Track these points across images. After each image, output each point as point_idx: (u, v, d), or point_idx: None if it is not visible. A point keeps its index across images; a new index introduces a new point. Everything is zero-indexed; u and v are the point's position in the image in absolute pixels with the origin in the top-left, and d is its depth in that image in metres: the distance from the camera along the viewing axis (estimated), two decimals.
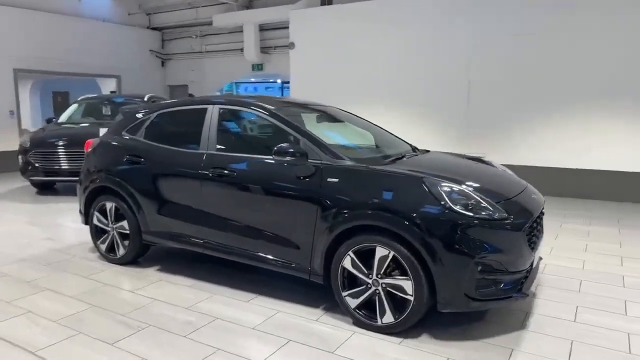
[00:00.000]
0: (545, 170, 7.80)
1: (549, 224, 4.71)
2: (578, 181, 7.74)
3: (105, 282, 4.08)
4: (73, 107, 9.54)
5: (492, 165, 4.07)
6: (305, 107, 4.42)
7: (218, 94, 14.29)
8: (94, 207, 4.59)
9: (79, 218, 4.88)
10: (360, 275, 3.16)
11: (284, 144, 3.42)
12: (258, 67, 13.15)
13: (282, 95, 21.14)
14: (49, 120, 9.52)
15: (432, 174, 3.19)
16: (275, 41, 12.55)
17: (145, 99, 9.47)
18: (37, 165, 7.88)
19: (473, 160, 4.14)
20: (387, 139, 4.47)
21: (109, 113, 9.43)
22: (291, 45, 10.49)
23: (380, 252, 3.06)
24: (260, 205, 3.61)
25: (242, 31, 12.68)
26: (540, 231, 3.49)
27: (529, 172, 6.62)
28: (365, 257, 3.15)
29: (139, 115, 4.52)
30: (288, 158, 3.38)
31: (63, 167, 7.89)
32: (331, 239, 3.23)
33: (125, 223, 4.37)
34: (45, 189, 8.60)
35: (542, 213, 3.51)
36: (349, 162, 3.36)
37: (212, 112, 4.02)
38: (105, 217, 4.51)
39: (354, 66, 9.70)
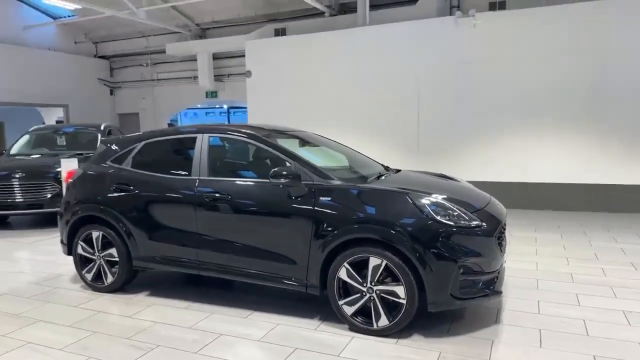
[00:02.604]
0: (492, 185, 8.55)
1: None
2: (521, 193, 8.55)
3: (98, 310, 4.14)
4: (24, 139, 9.29)
5: (457, 180, 4.58)
6: (286, 133, 4.74)
7: (173, 122, 14.29)
8: (78, 236, 4.62)
9: (45, 251, 4.87)
10: (355, 284, 3.50)
11: (279, 168, 3.72)
12: (212, 94, 13.35)
13: (228, 121, 21.44)
14: None
15: (414, 189, 3.61)
16: (229, 69, 12.85)
17: (102, 127, 9.40)
18: None
19: (440, 177, 4.63)
20: (360, 160, 4.87)
21: (64, 143, 9.27)
22: (248, 74, 10.83)
23: (373, 261, 3.42)
24: (257, 225, 3.87)
25: (195, 59, 12.87)
26: (505, 237, 3.99)
27: (478, 186, 7.27)
28: (359, 267, 3.49)
29: (124, 146, 4.65)
30: (283, 180, 3.68)
31: (19, 200, 7.68)
32: (327, 253, 3.55)
33: (113, 250, 4.45)
34: None
35: (505, 221, 4.03)
36: (338, 182, 3.72)
37: (202, 140, 4.25)
38: (91, 246, 4.56)
39: (308, 92, 10.17)
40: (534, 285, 4.55)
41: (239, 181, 4.04)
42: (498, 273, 3.64)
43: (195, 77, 13.11)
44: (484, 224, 3.50)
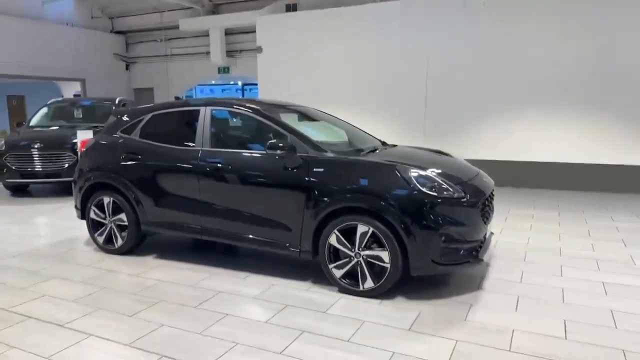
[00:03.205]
0: (495, 164, 8.66)
1: (499, 210, 5.43)
2: (524, 172, 8.66)
3: (109, 269, 4.47)
4: (43, 111, 9.64)
5: (450, 156, 4.75)
6: (286, 107, 4.95)
7: (185, 96, 14.56)
8: (90, 202, 4.94)
9: (62, 216, 5.19)
10: (345, 250, 3.74)
11: (275, 140, 3.95)
12: (224, 70, 13.54)
13: (242, 97, 21.56)
14: (19, 124, 9.58)
15: (401, 162, 3.80)
16: (241, 45, 12.99)
17: (117, 101, 9.71)
18: (13, 167, 8.01)
19: (434, 152, 4.81)
20: (358, 135, 5.06)
21: (81, 116, 9.61)
22: (259, 50, 10.97)
23: (361, 229, 3.65)
24: (254, 194, 4.13)
25: (208, 35, 13.04)
26: (492, 209, 4.17)
27: (481, 165, 7.40)
28: (348, 234, 3.73)
29: (133, 117, 4.92)
30: (278, 151, 3.91)
31: (38, 169, 8.06)
32: (319, 220, 3.79)
33: (123, 216, 4.76)
34: (19, 191, 8.70)
35: (492, 194, 4.20)
36: (331, 154, 3.93)
37: (206, 113, 4.49)
38: (103, 211, 4.88)
39: (319, 70, 10.30)
40: (521, 258, 4.74)
41: (239, 152, 4.28)
42: (481, 243, 3.84)
43: (208, 53, 13.29)
44: (467, 195, 3.69)
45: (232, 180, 4.20)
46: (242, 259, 4.74)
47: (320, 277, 4.02)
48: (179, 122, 4.83)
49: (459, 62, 8.98)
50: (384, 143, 4.99)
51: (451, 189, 3.65)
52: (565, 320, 3.33)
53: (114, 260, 4.73)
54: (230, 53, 13.15)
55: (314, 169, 3.86)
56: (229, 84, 22.08)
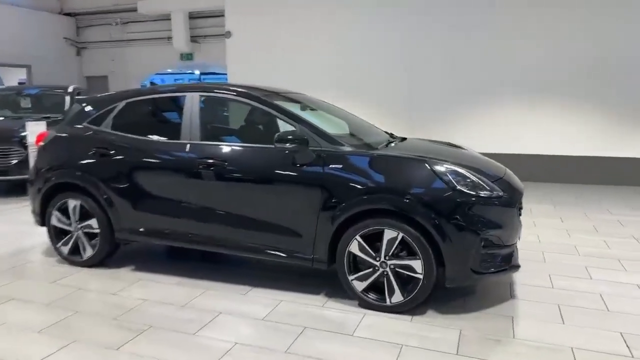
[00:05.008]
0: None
1: None
2: (514, 165, 8.41)
3: (79, 286, 3.75)
4: None
5: (466, 149, 4.31)
6: (282, 95, 4.34)
7: (143, 85, 13.53)
8: (52, 206, 4.17)
9: (13, 220, 4.42)
10: (368, 258, 3.22)
11: (284, 132, 3.37)
12: (187, 56, 12.65)
13: None
14: None
15: (432, 157, 3.31)
16: (206, 30, 12.13)
17: (70, 89, 8.72)
18: None
19: (449, 146, 4.35)
20: (362, 126, 4.53)
21: (29, 106, 8.59)
22: (227, 34, 10.21)
23: (389, 234, 3.14)
24: (257, 195, 3.53)
25: (169, 19, 12.10)
26: (522, 208, 3.77)
27: None
28: (370, 240, 3.21)
29: (103, 105, 4.17)
30: (289, 145, 3.33)
31: None
32: (337, 225, 3.25)
33: (92, 221, 4.04)
34: None
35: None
36: (349, 148, 3.39)
37: (193, 100, 3.83)
38: (67, 216, 4.13)
39: (294, 56, 9.66)
40: (540, 258, 4.39)
41: (237, 146, 3.67)
42: (515, 246, 3.43)
43: (170, 38, 12.36)
44: (505, 194, 3.26)
45: (229, 178, 3.59)
46: (237, 268, 4.13)
47: (333, 287, 3.51)
48: (160, 110, 4.14)
49: (443, 49, 8.61)
50: (391, 135, 4.49)
51: (488, 187, 3.21)
52: (622, 334, 2.97)
53: (83, 275, 4.00)
54: (194, 38, 12.26)
55: (331, 165, 3.31)
56: (185, 73, 20.78)
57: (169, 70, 18.89)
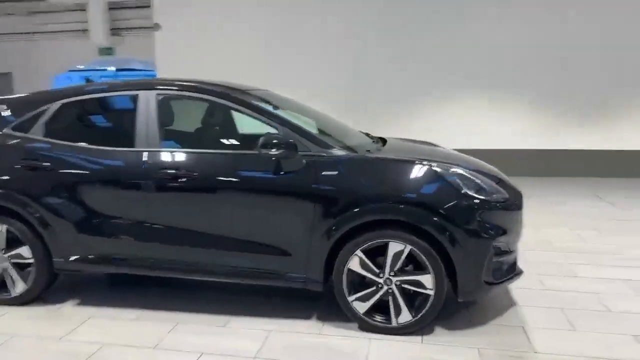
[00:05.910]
0: None
1: None
2: None
3: (13, 332, 3.01)
4: None
5: (447, 149, 4.08)
6: (247, 92, 3.81)
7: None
8: None
9: None
10: (371, 276, 2.86)
11: (268, 135, 2.89)
12: (107, 51, 11.47)
13: None
14: None
15: (436, 160, 3.01)
16: (129, 22, 11.07)
17: None
18: None
19: (430, 145, 4.09)
20: (334, 125, 4.09)
21: None
22: (156, 27, 9.35)
23: (394, 247, 2.80)
24: (235, 210, 3.03)
25: (85, 9, 10.89)
26: None
27: None
28: (372, 255, 2.86)
29: (29, 108, 3.42)
30: (275, 151, 2.86)
31: None
32: (334, 240, 2.85)
33: (23, 250, 3.29)
34: None
35: None
36: (341, 152, 2.99)
37: (148, 100, 3.22)
38: None
39: (230, 49, 9.05)
40: (524, 257, 4.26)
41: (208, 154, 3.13)
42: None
43: (86, 31, 11.13)
44: (511, 197, 3.05)
45: (200, 191, 3.06)
46: (206, 293, 3.54)
47: (324, 309, 3.16)
48: (106, 113, 3.47)
49: (388, 38, 8.48)
50: (368, 135, 4.12)
51: (494, 190, 2.97)
52: (634, 336, 2.86)
53: (16, 315, 3.25)
54: (115, 31, 11.14)
55: (323, 173, 2.89)
56: (95, 70, 19.01)
57: (81, 67, 17.17)
